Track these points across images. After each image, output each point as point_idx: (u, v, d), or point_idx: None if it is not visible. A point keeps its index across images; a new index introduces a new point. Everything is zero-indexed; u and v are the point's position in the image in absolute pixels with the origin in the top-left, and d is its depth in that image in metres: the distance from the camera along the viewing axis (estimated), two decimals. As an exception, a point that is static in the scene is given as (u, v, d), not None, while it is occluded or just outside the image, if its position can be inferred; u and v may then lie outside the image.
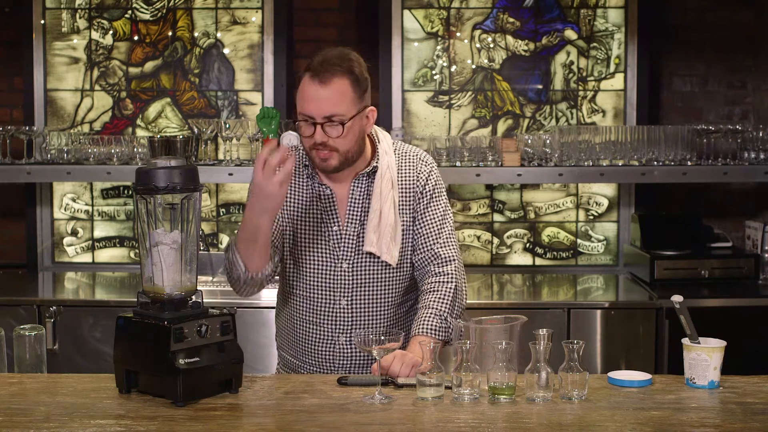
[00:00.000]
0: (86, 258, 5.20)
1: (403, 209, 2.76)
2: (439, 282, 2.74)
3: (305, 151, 2.70)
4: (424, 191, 2.78)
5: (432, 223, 2.77)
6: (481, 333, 2.41)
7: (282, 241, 2.75)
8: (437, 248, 2.76)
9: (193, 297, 2.40)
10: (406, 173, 2.78)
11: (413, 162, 2.80)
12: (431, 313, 2.67)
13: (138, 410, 2.25)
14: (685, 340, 2.46)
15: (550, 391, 2.31)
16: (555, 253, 5.15)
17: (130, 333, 2.38)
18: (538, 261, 5.15)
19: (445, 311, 2.68)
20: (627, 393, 2.40)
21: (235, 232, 2.79)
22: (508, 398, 2.30)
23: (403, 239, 2.75)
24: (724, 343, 2.45)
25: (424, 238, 2.77)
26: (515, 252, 5.15)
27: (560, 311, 4.23)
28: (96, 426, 2.13)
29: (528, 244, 5.15)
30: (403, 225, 2.75)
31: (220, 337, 2.37)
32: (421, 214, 2.77)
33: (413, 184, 2.78)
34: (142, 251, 2.39)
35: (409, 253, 2.78)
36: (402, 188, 2.76)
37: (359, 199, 2.74)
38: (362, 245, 2.71)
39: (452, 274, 2.75)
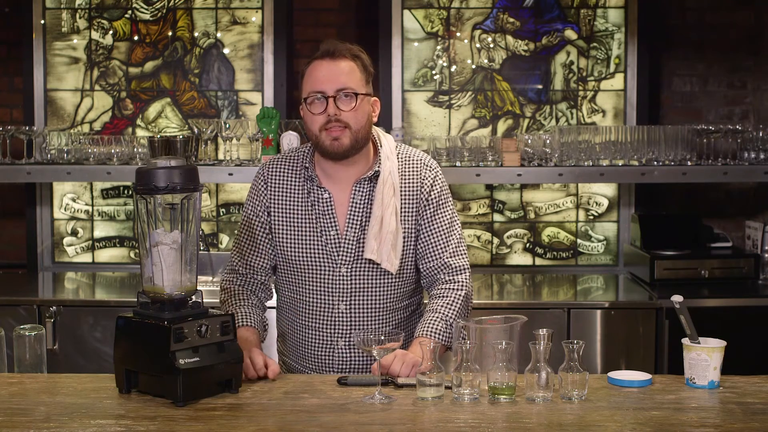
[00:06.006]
0: (86, 258, 5.20)
1: (405, 216, 2.73)
2: (450, 289, 2.73)
3: (312, 142, 2.72)
4: (430, 198, 2.76)
5: (440, 232, 2.75)
6: (481, 333, 2.41)
7: (274, 248, 2.78)
8: (447, 257, 2.75)
9: (193, 297, 2.40)
10: (409, 179, 2.76)
11: (417, 167, 2.77)
12: (437, 317, 2.67)
13: (138, 410, 2.25)
14: (685, 340, 2.46)
15: (550, 391, 2.31)
16: (555, 253, 5.14)
17: (130, 333, 2.38)
18: (538, 261, 5.15)
19: (451, 317, 2.67)
20: (627, 393, 2.40)
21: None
22: (508, 398, 2.30)
23: (404, 246, 2.73)
24: (724, 343, 2.45)
25: (433, 248, 2.75)
26: (515, 252, 5.15)
27: (560, 311, 4.23)
28: (96, 426, 2.13)
29: (528, 244, 5.14)
30: (405, 232, 2.73)
31: (220, 337, 2.37)
32: (428, 222, 2.75)
33: (417, 190, 2.75)
34: (142, 251, 2.39)
35: (410, 260, 2.76)
36: (405, 194, 2.74)
37: (360, 205, 2.72)
38: (362, 251, 2.69)
39: (464, 282, 2.75)
